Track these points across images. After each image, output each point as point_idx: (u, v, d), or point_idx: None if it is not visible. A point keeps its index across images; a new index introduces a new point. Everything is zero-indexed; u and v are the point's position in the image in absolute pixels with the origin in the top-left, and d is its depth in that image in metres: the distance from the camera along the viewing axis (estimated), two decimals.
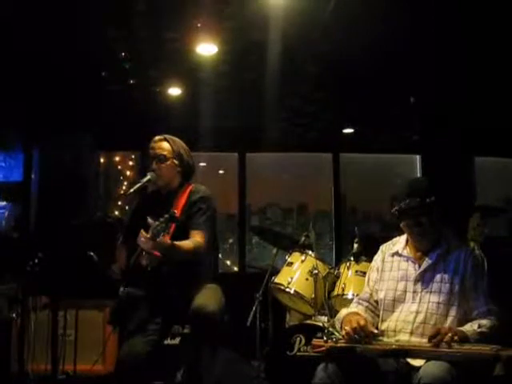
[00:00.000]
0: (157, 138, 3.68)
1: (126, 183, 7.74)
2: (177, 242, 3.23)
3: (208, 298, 3.30)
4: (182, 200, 3.54)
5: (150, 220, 3.11)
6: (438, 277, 2.83)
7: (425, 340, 2.62)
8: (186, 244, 3.30)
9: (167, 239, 3.14)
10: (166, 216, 3.10)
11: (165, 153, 3.60)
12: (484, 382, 2.44)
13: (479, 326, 2.61)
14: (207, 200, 3.56)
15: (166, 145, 3.64)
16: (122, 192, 7.67)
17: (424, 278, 2.86)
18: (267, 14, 4.39)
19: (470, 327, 2.63)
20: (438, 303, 2.76)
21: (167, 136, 3.68)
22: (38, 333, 4.34)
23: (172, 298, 3.38)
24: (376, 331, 2.72)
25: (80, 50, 5.02)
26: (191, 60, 5.23)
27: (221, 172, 8.27)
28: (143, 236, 3.08)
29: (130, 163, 7.88)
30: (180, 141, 3.72)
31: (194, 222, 3.46)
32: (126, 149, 7.76)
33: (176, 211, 3.21)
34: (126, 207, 7.22)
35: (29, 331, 4.33)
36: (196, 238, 3.38)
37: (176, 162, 3.63)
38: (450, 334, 2.49)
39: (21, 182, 6.87)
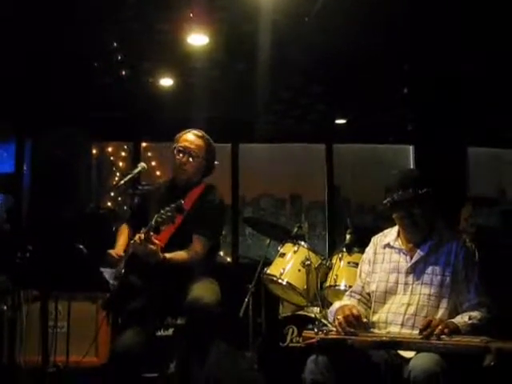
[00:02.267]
0: (195, 131, 3.62)
1: (118, 174, 7.72)
2: (170, 255, 3.21)
3: (204, 289, 3.29)
4: (194, 196, 3.50)
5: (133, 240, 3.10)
6: (429, 269, 2.82)
7: (415, 332, 2.62)
8: (180, 255, 3.29)
9: (158, 251, 3.12)
10: (173, 206, 3.08)
11: (199, 152, 3.55)
12: (474, 373, 2.45)
13: (470, 318, 2.61)
14: (217, 205, 3.56)
15: (200, 142, 3.59)
16: (114, 183, 7.66)
17: (415, 270, 2.85)
18: (259, 5, 4.37)
19: (461, 319, 2.63)
20: (429, 295, 2.76)
21: (205, 134, 3.64)
22: (31, 325, 4.33)
23: (169, 290, 3.36)
24: (365, 320, 2.72)
25: (73, 41, 4.99)
26: (183, 51, 5.21)
27: (214, 163, 8.24)
28: (137, 240, 3.08)
29: (123, 154, 7.85)
30: (212, 142, 3.67)
31: (199, 227, 3.43)
32: (118, 140, 7.74)
33: (183, 202, 3.17)
34: (119, 198, 7.21)
35: (20, 323, 4.33)
36: (195, 247, 3.37)
37: (205, 162, 3.60)
38: (440, 327, 2.49)
39: (13, 173, 6.85)
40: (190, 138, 3.58)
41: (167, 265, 3.22)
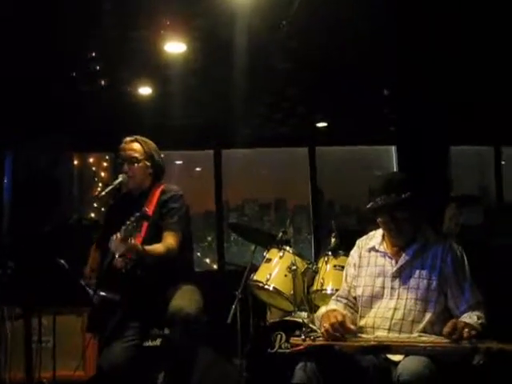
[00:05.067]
0: (128, 139, 3.65)
1: (100, 184, 7.68)
2: (148, 247, 3.19)
3: (185, 299, 3.28)
4: (154, 200, 3.52)
5: (113, 237, 3.07)
6: (415, 273, 2.81)
7: (402, 336, 2.63)
8: (157, 248, 3.28)
9: (138, 244, 3.09)
10: (137, 214, 3.06)
11: (136, 155, 3.57)
12: (463, 374, 2.45)
13: (478, 318, 2.61)
14: (178, 199, 3.54)
15: (137, 146, 3.60)
16: (95, 194, 7.62)
17: (401, 274, 2.84)
18: (235, 10, 4.36)
19: (470, 319, 2.61)
20: (416, 299, 2.75)
21: (138, 137, 3.66)
22: (16, 341, 4.28)
23: (148, 301, 3.34)
24: (353, 327, 2.70)
25: (50, 51, 4.95)
26: (161, 59, 5.19)
27: (197, 169, 8.24)
28: (116, 239, 3.04)
29: (105, 164, 7.82)
30: (151, 142, 3.68)
31: (167, 223, 3.43)
32: (99, 150, 7.69)
33: (147, 209, 3.18)
34: (102, 209, 7.16)
35: (5, 340, 4.27)
36: (168, 240, 3.36)
37: (148, 163, 3.60)
38: (467, 329, 2.46)
39: None
40: (125, 145, 3.63)
41: (148, 259, 3.21)
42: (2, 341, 4.29)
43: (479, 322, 2.58)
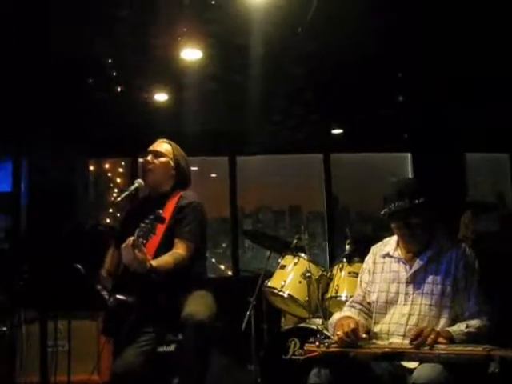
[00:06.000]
0: (160, 139, 3.69)
1: (116, 190, 7.72)
2: (156, 263, 3.12)
3: (197, 305, 3.26)
4: (171, 205, 3.48)
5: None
6: (429, 278, 2.80)
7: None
8: (165, 262, 3.20)
9: (147, 258, 3.06)
10: (151, 217, 3.03)
11: (162, 150, 3.58)
12: (477, 382, 2.43)
13: (467, 327, 2.60)
14: (195, 207, 3.49)
15: (166, 145, 3.63)
16: (111, 199, 7.67)
17: (416, 280, 2.83)
18: (251, 17, 4.38)
19: (458, 327, 2.62)
20: (430, 305, 2.74)
21: (171, 141, 3.68)
22: (32, 345, 4.30)
23: (162, 306, 3.34)
24: (365, 336, 2.69)
25: (67, 58, 4.99)
26: (177, 66, 5.22)
27: (213, 176, 8.26)
28: (126, 245, 3.02)
29: (120, 170, 7.87)
30: (182, 151, 3.70)
31: (179, 231, 3.39)
32: (115, 156, 7.74)
33: (161, 211, 3.15)
34: (118, 214, 7.20)
35: (20, 344, 4.30)
36: (178, 251, 3.31)
37: (172, 163, 3.59)
38: (432, 336, 2.48)
39: (10, 192, 6.83)
40: (155, 143, 3.66)
41: (156, 274, 3.18)
42: (18, 344, 4.31)
43: (465, 330, 2.58)
